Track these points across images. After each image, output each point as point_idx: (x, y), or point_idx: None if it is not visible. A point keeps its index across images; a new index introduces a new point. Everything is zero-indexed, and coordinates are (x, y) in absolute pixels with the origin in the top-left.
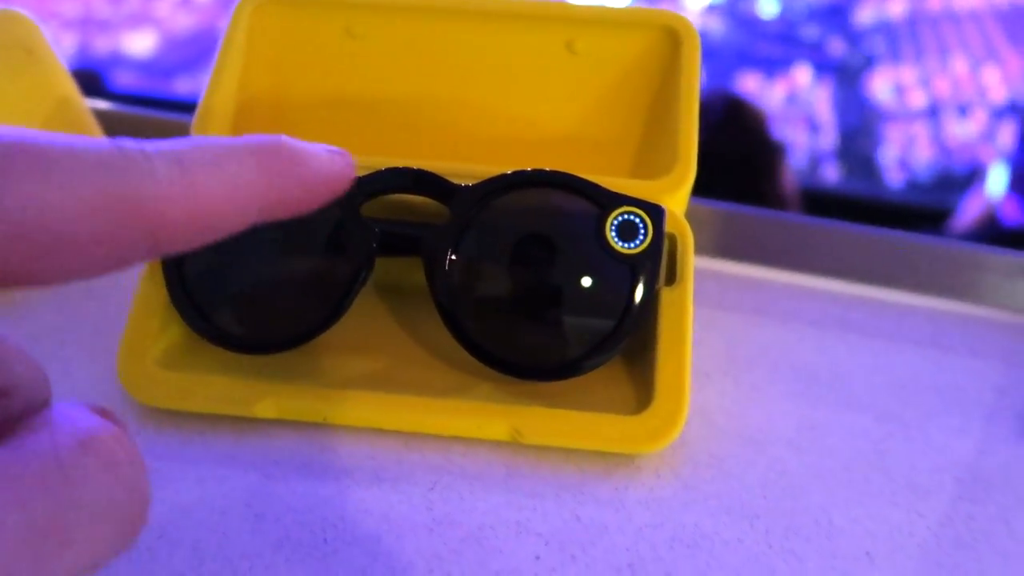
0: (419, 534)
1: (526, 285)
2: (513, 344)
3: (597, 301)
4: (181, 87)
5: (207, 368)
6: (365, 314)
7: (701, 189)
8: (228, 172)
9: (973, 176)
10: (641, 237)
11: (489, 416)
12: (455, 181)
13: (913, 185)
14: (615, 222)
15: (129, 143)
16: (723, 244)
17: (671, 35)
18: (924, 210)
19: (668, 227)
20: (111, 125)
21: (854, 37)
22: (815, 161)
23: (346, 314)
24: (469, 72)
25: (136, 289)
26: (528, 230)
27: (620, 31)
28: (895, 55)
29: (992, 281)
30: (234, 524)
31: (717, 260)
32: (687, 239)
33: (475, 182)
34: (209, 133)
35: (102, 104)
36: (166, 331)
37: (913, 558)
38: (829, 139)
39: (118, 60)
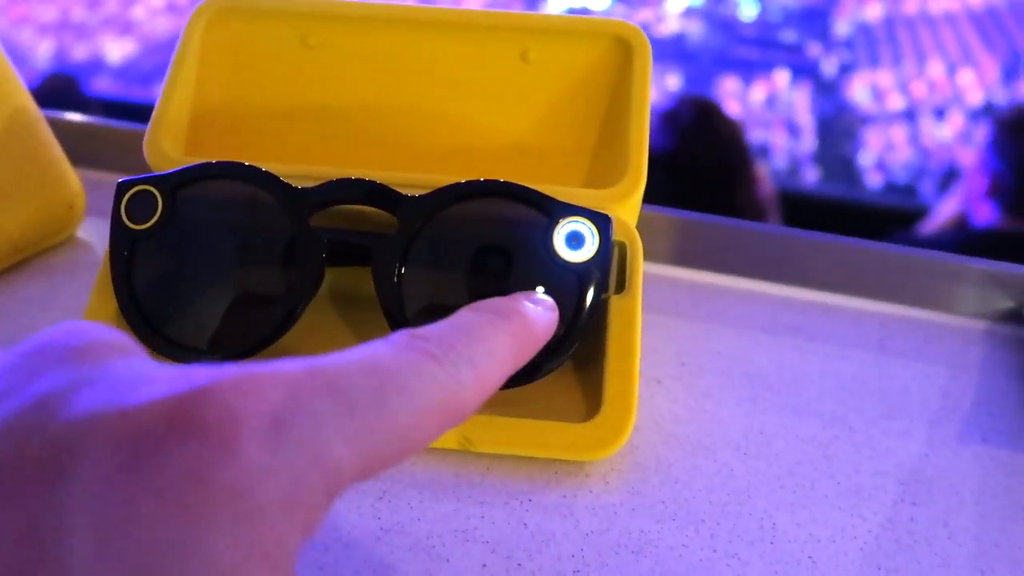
0: (367, 543)
1: (474, 294)
2: None
3: None
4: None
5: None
6: (319, 324)
7: (671, 195)
8: (498, 358)
9: (950, 178)
10: (588, 246)
11: None
12: (408, 191)
13: (891, 187)
14: (563, 231)
15: (435, 349)
16: (677, 251)
17: (623, 45)
18: (902, 212)
19: (617, 236)
20: (83, 138)
21: (832, 40)
22: (794, 164)
23: (299, 324)
24: (424, 82)
25: (87, 301)
26: (476, 240)
27: (573, 41)
28: (873, 58)
29: (941, 286)
30: None
31: (671, 267)
32: (636, 248)
33: (424, 192)
34: (163, 144)
35: (75, 116)
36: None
37: (855, 562)
38: (808, 142)
39: (96, 66)
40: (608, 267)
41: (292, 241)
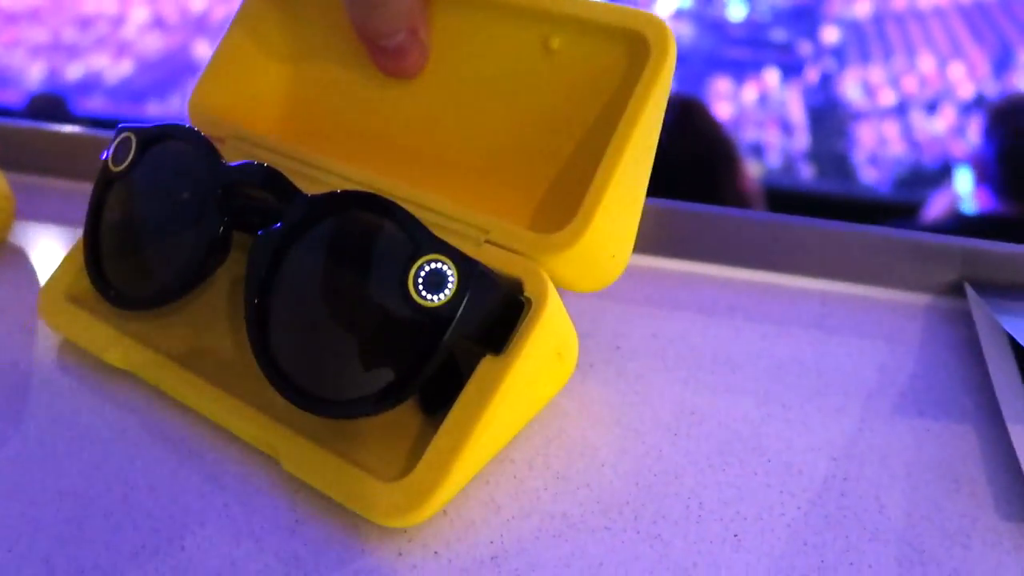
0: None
1: (323, 308)
2: (293, 362)
3: (381, 349)
4: (152, 111)
5: (105, 312)
6: (232, 290)
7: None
8: None
9: (943, 171)
10: (445, 290)
11: (258, 428)
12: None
13: (885, 181)
14: (423, 267)
15: None
16: None
17: (639, 44)
18: (896, 205)
19: (529, 290)
20: (75, 148)
21: (822, 38)
22: (788, 161)
23: (211, 287)
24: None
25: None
26: (342, 253)
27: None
28: (863, 54)
29: (879, 260)
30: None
31: None
32: (541, 311)
33: (317, 193)
34: (206, 101)
35: (68, 128)
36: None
37: (781, 538)
38: (801, 139)
39: (88, 85)
40: (460, 318)
41: (207, 205)
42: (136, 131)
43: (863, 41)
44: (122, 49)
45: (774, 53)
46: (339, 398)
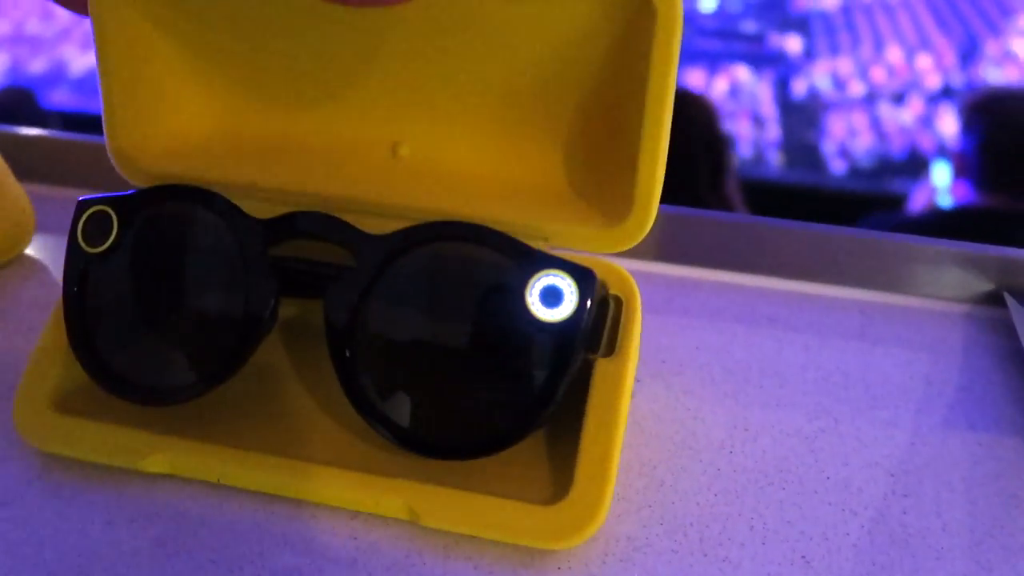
0: None
1: (432, 349)
2: (411, 413)
3: (512, 374)
4: None
5: (106, 415)
6: (270, 358)
7: None
8: None
9: (913, 162)
10: (566, 304)
11: (384, 492)
12: (379, 211)
13: (855, 173)
14: (538, 286)
15: None
16: (647, 246)
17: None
18: (868, 197)
19: (614, 288)
20: (33, 151)
21: (792, 29)
22: (759, 153)
23: (255, 362)
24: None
25: (42, 333)
26: (440, 288)
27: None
28: (832, 46)
29: (917, 270)
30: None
31: (642, 262)
32: (633, 304)
33: (385, 233)
34: (128, 153)
35: (34, 131)
36: (69, 373)
37: (849, 560)
38: (772, 131)
39: (54, 78)
40: (586, 328)
41: (246, 274)
42: (112, 202)
43: (832, 32)
44: (88, 40)
45: (745, 44)
46: (479, 436)
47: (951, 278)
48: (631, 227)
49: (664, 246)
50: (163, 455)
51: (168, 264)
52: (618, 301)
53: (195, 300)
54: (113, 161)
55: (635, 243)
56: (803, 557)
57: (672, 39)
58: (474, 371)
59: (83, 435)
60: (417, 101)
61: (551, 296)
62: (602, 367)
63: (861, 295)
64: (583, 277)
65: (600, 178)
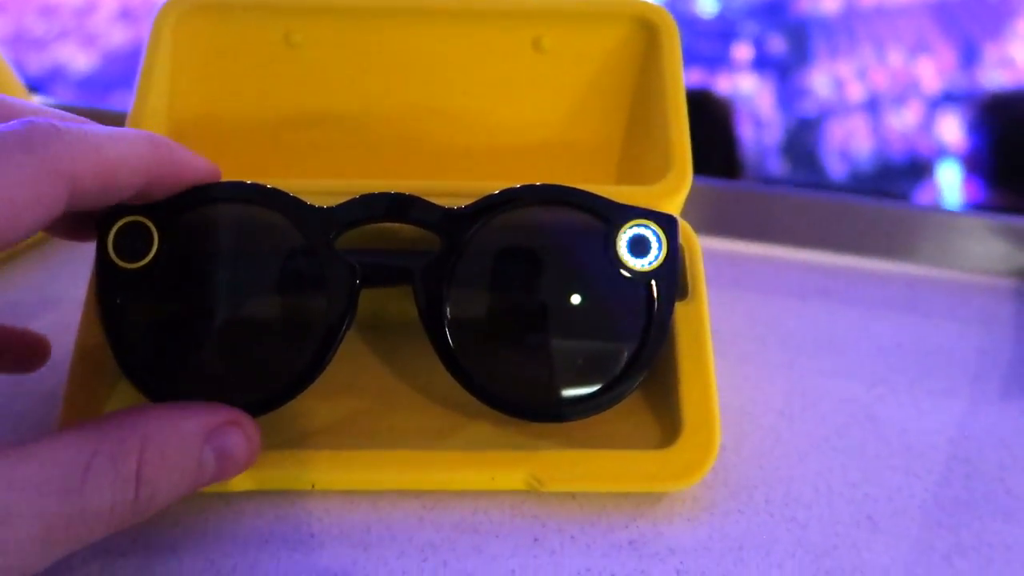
0: None
1: (533, 315)
2: (524, 383)
3: (613, 326)
4: (116, 102)
5: None
6: (344, 356)
7: None
8: (125, 142)
9: (913, 165)
10: (655, 252)
11: (503, 466)
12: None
13: (855, 175)
14: (626, 237)
15: (40, 121)
16: (694, 220)
17: (647, 27)
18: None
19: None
20: None
21: (792, 33)
22: (760, 156)
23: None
24: (426, 79)
25: (73, 348)
26: (530, 254)
27: (589, 25)
28: (832, 49)
29: (966, 245)
30: None
31: None
32: (695, 249)
33: (460, 205)
34: None
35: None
36: (116, 390)
37: (916, 520)
38: (772, 134)
39: (54, 76)
40: (677, 274)
41: (318, 269)
42: (147, 211)
43: (832, 36)
44: (88, 40)
45: (745, 48)
46: (595, 393)
47: (998, 251)
48: (673, 180)
49: (713, 220)
50: (247, 472)
51: (227, 271)
52: (680, 248)
53: (267, 305)
54: None
55: (680, 196)
56: (869, 518)
57: (674, 42)
58: (576, 330)
59: None
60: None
61: (639, 245)
62: (681, 311)
63: (910, 268)
64: (668, 223)
65: (639, 152)
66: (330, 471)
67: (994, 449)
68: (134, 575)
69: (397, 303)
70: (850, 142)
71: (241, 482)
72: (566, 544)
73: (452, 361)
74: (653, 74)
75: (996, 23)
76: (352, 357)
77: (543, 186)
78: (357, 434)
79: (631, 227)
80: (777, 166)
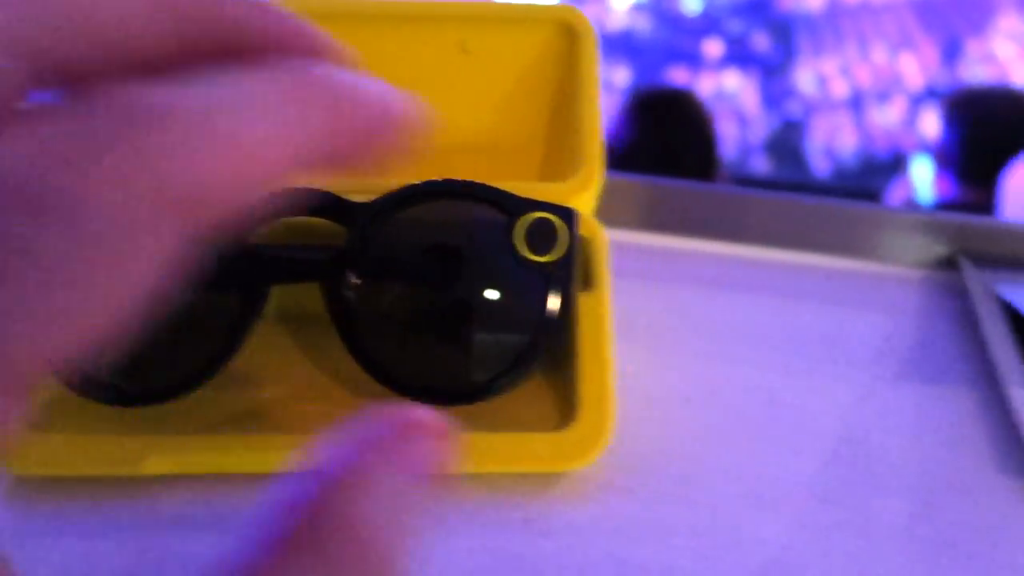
0: None
1: (434, 304)
2: (424, 368)
3: (511, 315)
4: None
5: (87, 426)
6: (264, 346)
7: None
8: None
9: (896, 161)
10: (554, 243)
11: None
12: (350, 198)
13: (839, 172)
14: (525, 229)
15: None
16: (612, 213)
17: (568, 31)
18: (850, 193)
19: (580, 230)
20: None
21: (776, 30)
22: (744, 153)
23: (243, 350)
24: None
25: None
26: (432, 246)
27: (513, 28)
28: (817, 47)
29: (879, 236)
30: None
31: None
32: (600, 242)
33: (371, 198)
34: None
35: None
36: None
37: (800, 498)
38: (756, 131)
39: None
40: (575, 265)
41: (231, 262)
42: None
43: (816, 33)
44: None
45: (729, 45)
46: (488, 378)
47: (911, 244)
48: (583, 176)
49: (640, 216)
50: (163, 455)
51: None
52: (586, 241)
53: (181, 297)
54: None
55: (589, 192)
56: (757, 496)
57: (591, 45)
58: (475, 319)
59: (71, 450)
60: None
61: (539, 237)
62: (584, 301)
63: (824, 261)
64: (567, 215)
65: (558, 150)
66: (242, 454)
67: (886, 430)
68: (47, 556)
69: (317, 297)
70: (834, 139)
71: (156, 465)
72: (461, 523)
73: (357, 349)
74: (573, 76)
75: (979, 19)
76: (271, 349)
77: (444, 181)
78: (272, 420)
79: (530, 220)
80: (761, 163)
